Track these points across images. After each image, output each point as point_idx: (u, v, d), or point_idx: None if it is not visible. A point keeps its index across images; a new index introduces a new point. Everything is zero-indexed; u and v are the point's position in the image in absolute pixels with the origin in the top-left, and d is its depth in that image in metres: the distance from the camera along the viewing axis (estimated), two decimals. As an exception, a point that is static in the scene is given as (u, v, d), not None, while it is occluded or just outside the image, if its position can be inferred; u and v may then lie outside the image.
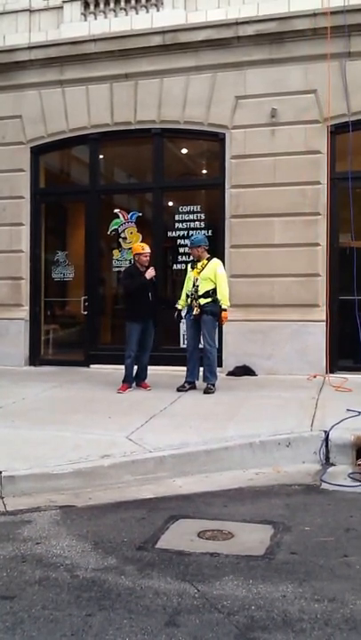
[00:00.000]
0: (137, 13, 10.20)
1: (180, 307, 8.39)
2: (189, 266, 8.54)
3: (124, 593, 3.20)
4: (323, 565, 3.50)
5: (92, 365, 10.38)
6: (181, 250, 10.14)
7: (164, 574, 3.41)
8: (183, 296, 8.34)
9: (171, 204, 10.60)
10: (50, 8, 10.72)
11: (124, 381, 8.24)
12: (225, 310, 8.04)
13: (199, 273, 8.15)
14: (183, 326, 9.20)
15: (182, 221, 10.18)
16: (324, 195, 9.32)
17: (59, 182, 11.72)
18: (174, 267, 10.27)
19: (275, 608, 3.03)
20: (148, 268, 8.31)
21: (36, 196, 10.89)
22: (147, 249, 8.43)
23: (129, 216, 10.54)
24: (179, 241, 10.19)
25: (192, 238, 8.72)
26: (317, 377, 8.91)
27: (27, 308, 10.78)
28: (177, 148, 10.92)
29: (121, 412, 6.86)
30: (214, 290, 8.06)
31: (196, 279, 8.15)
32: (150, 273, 8.23)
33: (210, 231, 9.79)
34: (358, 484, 4.97)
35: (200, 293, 8.08)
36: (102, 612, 3.01)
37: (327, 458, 5.51)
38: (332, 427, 5.73)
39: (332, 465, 5.43)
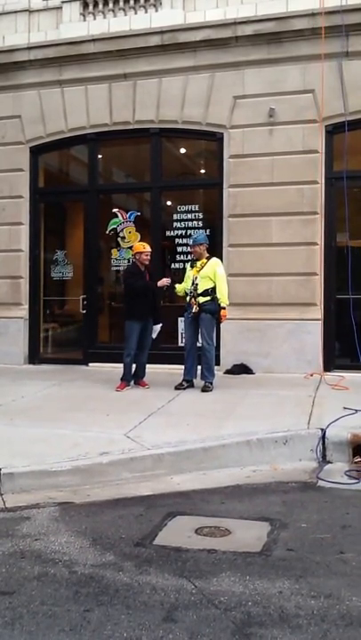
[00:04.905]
0: (135, 13, 10.22)
1: (179, 293, 8.46)
2: (189, 265, 8.59)
3: (122, 589, 3.23)
4: (319, 562, 3.53)
5: (90, 364, 10.40)
6: (180, 249, 10.17)
7: (161, 570, 3.44)
8: (182, 286, 8.39)
9: (169, 203, 10.62)
10: (49, 8, 10.74)
11: (122, 379, 8.27)
12: (224, 308, 8.09)
13: (198, 272, 8.19)
14: (182, 325, 9.22)
15: (181, 221, 10.20)
16: (321, 194, 9.36)
17: (58, 182, 11.73)
18: (172, 266, 10.29)
19: (271, 604, 3.05)
20: (148, 267, 8.37)
21: (36, 196, 10.91)
22: (148, 248, 8.46)
23: (127, 215, 10.56)
24: (177, 240, 10.21)
25: (194, 236, 8.77)
26: (314, 375, 8.94)
27: (26, 306, 10.81)
28: (175, 148, 10.95)
29: (119, 410, 6.89)
30: (213, 289, 8.10)
31: (196, 277, 8.18)
32: (164, 282, 8.40)
33: (208, 230, 9.79)
34: (355, 481, 5.00)
35: (199, 292, 8.11)
36: (100, 608, 3.04)
37: (324, 455, 5.54)
38: (329, 424, 5.77)
39: (329, 462, 5.47)
